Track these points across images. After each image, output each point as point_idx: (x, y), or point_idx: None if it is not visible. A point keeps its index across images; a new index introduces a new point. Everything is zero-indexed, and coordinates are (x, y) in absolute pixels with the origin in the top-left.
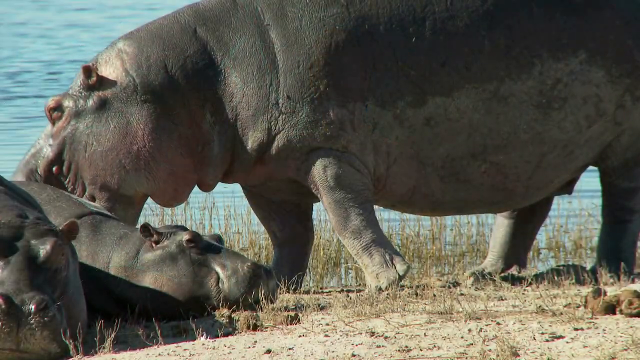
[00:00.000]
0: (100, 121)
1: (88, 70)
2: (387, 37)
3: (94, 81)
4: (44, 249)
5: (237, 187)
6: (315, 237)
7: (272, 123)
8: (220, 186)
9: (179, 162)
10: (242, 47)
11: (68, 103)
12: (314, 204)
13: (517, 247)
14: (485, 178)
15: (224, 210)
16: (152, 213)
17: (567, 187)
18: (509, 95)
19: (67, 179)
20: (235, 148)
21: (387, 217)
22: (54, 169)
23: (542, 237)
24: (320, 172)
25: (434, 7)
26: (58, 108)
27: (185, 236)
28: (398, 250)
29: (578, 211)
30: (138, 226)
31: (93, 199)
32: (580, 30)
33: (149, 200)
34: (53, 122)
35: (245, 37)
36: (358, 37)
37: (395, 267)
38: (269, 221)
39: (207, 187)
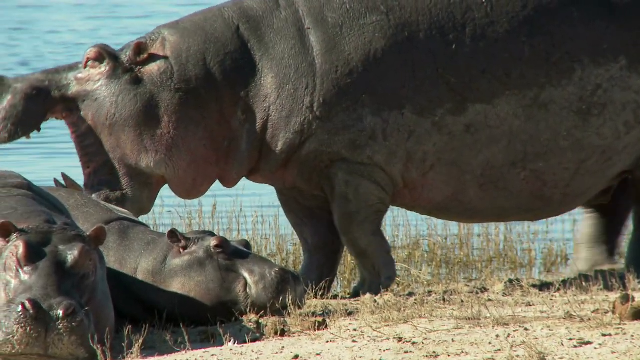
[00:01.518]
0: (128, 95)
1: (140, 47)
2: (427, 44)
3: (143, 58)
4: (72, 254)
5: (264, 192)
6: None
7: (305, 126)
8: (248, 190)
9: (201, 154)
10: (282, 49)
11: (109, 62)
12: None
13: (612, 235)
14: (524, 185)
15: (252, 216)
16: (179, 218)
17: (604, 195)
18: (550, 101)
19: (75, 125)
20: (263, 147)
21: (415, 223)
22: (62, 110)
23: (570, 243)
24: (342, 184)
25: (474, 13)
26: (97, 59)
27: (212, 242)
28: (425, 255)
29: None
30: (166, 231)
31: (111, 168)
32: (621, 36)
33: (176, 205)
34: (85, 66)
35: (286, 39)
36: (398, 45)
37: (380, 278)
38: (301, 227)
39: (229, 183)
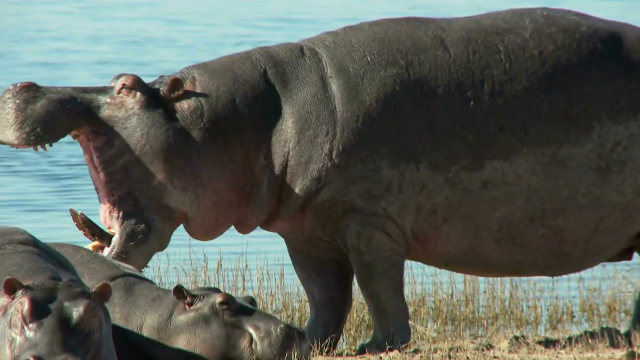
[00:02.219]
0: (160, 128)
1: (176, 83)
2: (445, 100)
3: (177, 95)
4: (77, 311)
5: (269, 249)
6: None
7: (322, 173)
8: (252, 246)
9: (225, 196)
10: (304, 95)
11: (143, 92)
12: None
13: None
14: (542, 242)
15: (257, 273)
16: (185, 275)
17: (626, 254)
18: (568, 159)
19: (99, 150)
20: (282, 192)
21: (420, 280)
22: (88, 131)
23: (575, 300)
24: (354, 236)
25: (493, 70)
26: (133, 88)
27: (218, 298)
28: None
29: (612, 274)
30: (171, 289)
31: (135, 199)
32: None
33: (181, 261)
34: (118, 93)
35: (309, 86)
36: (416, 99)
37: (396, 341)
38: (309, 282)
39: (247, 228)
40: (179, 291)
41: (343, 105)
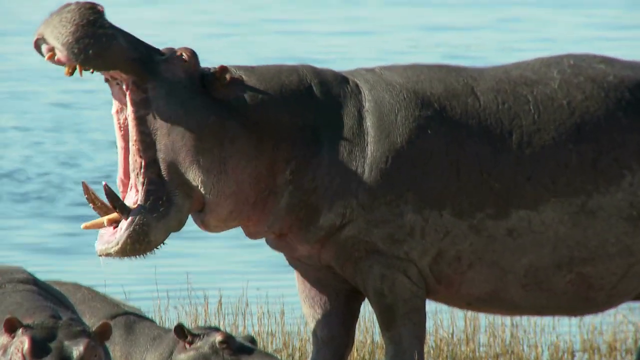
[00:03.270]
0: (201, 104)
1: (226, 70)
2: (473, 148)
3: (225, 81)
4: (77, 350)
5: (270, 285)
6: None
7: (347, 210)
8: (253, 282)
9: (244, 190)
10: (341, 125)
11: (197, 68)
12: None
13: None
14: (569, 287)
15: (258, 312)
16: (185, 314)
17: None
18: (598, 208)
19: (139, 113)
20: (305, 216)
21: None
22: (132, 80)
23: (576, 339)
24: (377, 279)
25: (521, 120)
26: (188, 61)
27: (218, 337)
28: (431, 351)
29: (613, 312)
30: (171, 328)
31: (156, 165)
32: None
33: (182, 299)
34: (174, 60)
35: (346, 118)
36: (447, 145)
37: None
38: (312, 319)
39: (254, 234)
40: (180, 330)
41: (375, 144)
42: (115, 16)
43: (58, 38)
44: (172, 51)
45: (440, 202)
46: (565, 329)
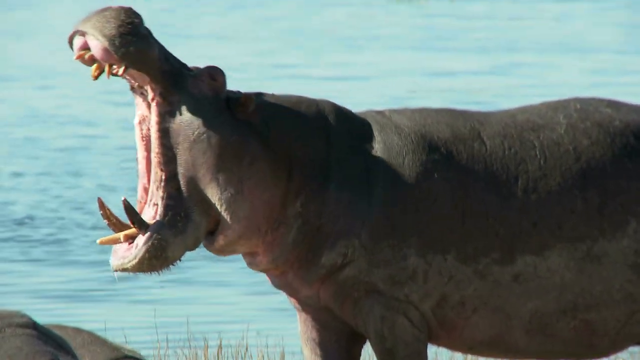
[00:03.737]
0: (224, 123)
1: (250, 101)
2: (479, 193)
3: (248, 110)
4: None
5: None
6: None
7: (349, 250)
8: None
9: (257, 216)
10: (349, 165)
11: (224, 89)
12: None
13: None
14: (572, 333)
15: (257, 355)
16: (184, 358)
17: None
18: (603, 255)
19: (163, 124)
20: (307, 253)
21: None
22: (160, 90)
23: None
24: (377, 320)
25: (528, 165)
26: (216, 80)
27: None
28: None
29: (612, 358)
30: None
31: (176, 179)
32: None
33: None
34: (202, 76)
35: (359, 157)
36: (452, 189)
37: None
38: None
39: (257, 264)
40: None
41: (381, 187)
42: None
43: (101, 30)
44: (200, 69)
45: (445, 246)
46: None
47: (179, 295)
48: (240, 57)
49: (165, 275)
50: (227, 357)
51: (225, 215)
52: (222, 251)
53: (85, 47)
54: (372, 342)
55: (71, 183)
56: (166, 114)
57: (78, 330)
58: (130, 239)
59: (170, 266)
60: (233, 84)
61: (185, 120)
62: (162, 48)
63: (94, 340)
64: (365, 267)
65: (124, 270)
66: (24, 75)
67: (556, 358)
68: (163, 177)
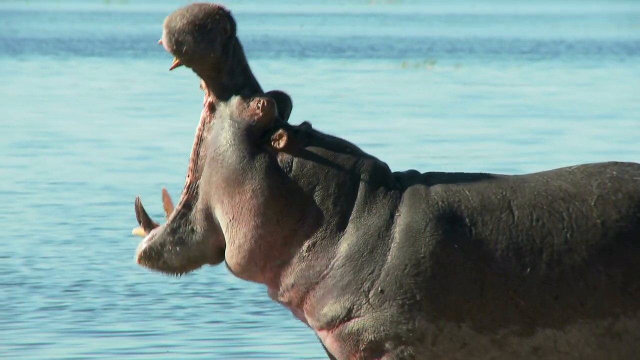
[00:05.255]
0: (243, 149)
1: (281, 138)
2: (501, 264)
3: (279, 146)
4: None
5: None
6: None
7: (355, 306)
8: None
9: (253, 249)
10: (370, 224)
11: (267, 116)
12: None
13: None
14: None
15: None
16: None
17: None
18: (623, 331)
19: (202, 131)
20: (310, 299)
21: None
22: (209, 104)
23: None
24: None
25: (554, 239)
26: (261, 108)
27: None
28: None
29: None
30: None
31: (196, 192)
32: None
33: None
34: (250, 102)
35: (377, 218)
36: (471, 261)
37: None
38: None
39: (272, 295)
40: None
41: (397, 250)
42: None
43: (169, 21)
44: (257, 93)
45: (459, 315)
46: None
47: None
48: None
49: None
50: None
51: (225, 238)
52: (236, 275)
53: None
54: None
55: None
56: (206, 124)
57: None
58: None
59: (178, 273)
60: None
61: (214, 135)
62: (234, 60)
63: None
64: (372, 324)
65: (139, 262)
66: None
67: None
68: (187, 183)
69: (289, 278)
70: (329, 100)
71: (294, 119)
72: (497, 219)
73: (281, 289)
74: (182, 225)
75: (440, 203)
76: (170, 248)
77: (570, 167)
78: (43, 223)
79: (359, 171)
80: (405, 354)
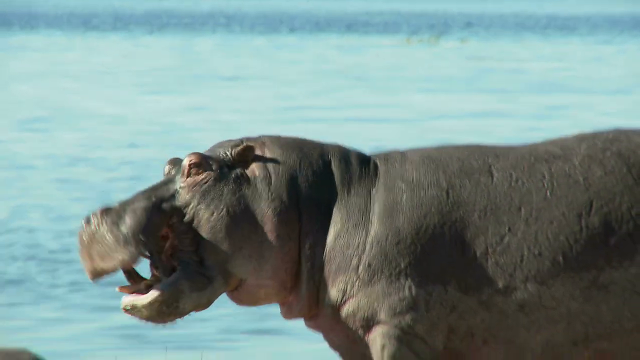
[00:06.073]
0: (234, 195)
1: (250, 151)
2: (479, 225)
3: (247, 161)
4: None
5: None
6: None
7: (348, 285)
8: None
9: (280, 275)
10: (351, 203)
11: (213, 164)
12: None
13: None
14: None
15: None
16: None
17: None
18: (610, 283)
19: (179, 230)
20: (319, 293)
21: None
22: (173, 217)
23: None
24: (378, 350)
25: (533, 196)
26: (201, 165)
27: None
28: None
29: None
30: None
31: (201, 262)
32: None
33: None
34: (188, 175)
35: (357, 197)
36: (450, 223)
37: None
38: None
39: (289, 314)
40: None
41: (378, 222)
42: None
43: (110, 258)
44: (175, 167)
45: (444, 277)
46: None
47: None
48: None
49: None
50: None
51: (252, 280)
52: (252, 305)
53: None
54: None
55: None
56: (184, 228)
57: None
58: (149, 287)
59: (177, 319)
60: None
61: (201, 217)
62: (145, 201)
63: None
64: (365, 301)
65: (134, 310)
66: None
67: None
68: (179, 259)
69: (302, 283)
70: (336, 76)
71: (304, 98)
72: (476, 182)
73: (300, 301)
74: (197, 273)
75: (414, 173)
76: (187, 294)
77: (565, 136)
78: (65, 198)
79: (328, 158)
80: (403, 324)
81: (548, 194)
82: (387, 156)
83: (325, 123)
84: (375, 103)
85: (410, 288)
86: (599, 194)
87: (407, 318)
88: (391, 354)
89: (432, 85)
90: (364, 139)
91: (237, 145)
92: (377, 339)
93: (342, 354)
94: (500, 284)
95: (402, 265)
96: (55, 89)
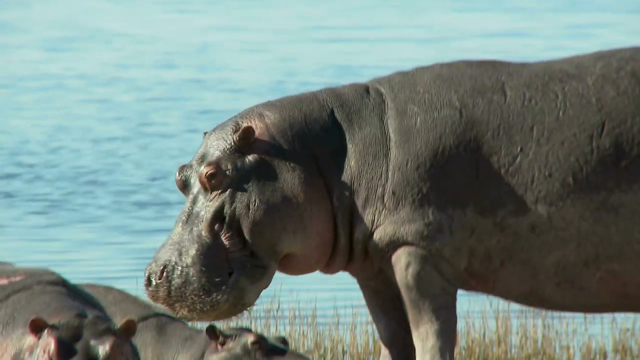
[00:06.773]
0: (259, 182)
1: (250, 132)
2: (492, 145)
3: (250, 143)
4: (103, 348)
5: (301, 288)
6: None
7: (375, 216)
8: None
9: (325, 235)
10: (364, 136)
11: (227, 165)
12: None
13: None
14: (602, 285)
15: (289, 312)
16: None
17: None
18: (619, 205)
19: (227, 234)
20: (352, 235)
21: None
22: (216, 226)
23: (608, 340)
24: (403, 268)
25: (545, 116)
26: (217, 174)
27: (250, 338)
28: (463, 352)
29: None
30: (203, 329)
31: (252, 255)
32: None
33: None
34: (210, 187)
35: (369, 127)
36: (465, 143)
37: None
38: (376, 321)
39: (333, 270)
40: (212, 331)
41: (396, 148)
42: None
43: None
44: (189, 178)
45: (462, 200)
46: (597, 330)
47: None
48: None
49: None
50: (259, 315)
51: (301, 251)
52: (303, 273)
53: None
54: (401, 291)
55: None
56: (228, 230)
57: (109, 289)
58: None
59: (247, 310)
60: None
61: (228, 202)
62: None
63: (125, 298)
64: (392, 229)
65: (201, 318)
66: None
67: (598, 311)
68: (232, 256)
69: (340, 240)
70: None
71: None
72: (489, 101)
73: (339, 257)
74: (253, 267)
75: (426, 95)
76: (250, 289)
77: (582, 54)
78: (96, 119)
79: (328, 105)
80: (431, 247)
81: (560, 114)
82: (390, 80)
83: (349, 43)
84: (400, 22)
85: (433, 213)
86: (610, 115)
87: (435, 242)
88: (415, 272)
89: (458, 5)
90: (386, 59)
91: (236, 130)
92: (402, 258)
93: (364, 285)
94: (512, 205)
95: (425, 191)
96: (83, 9)
